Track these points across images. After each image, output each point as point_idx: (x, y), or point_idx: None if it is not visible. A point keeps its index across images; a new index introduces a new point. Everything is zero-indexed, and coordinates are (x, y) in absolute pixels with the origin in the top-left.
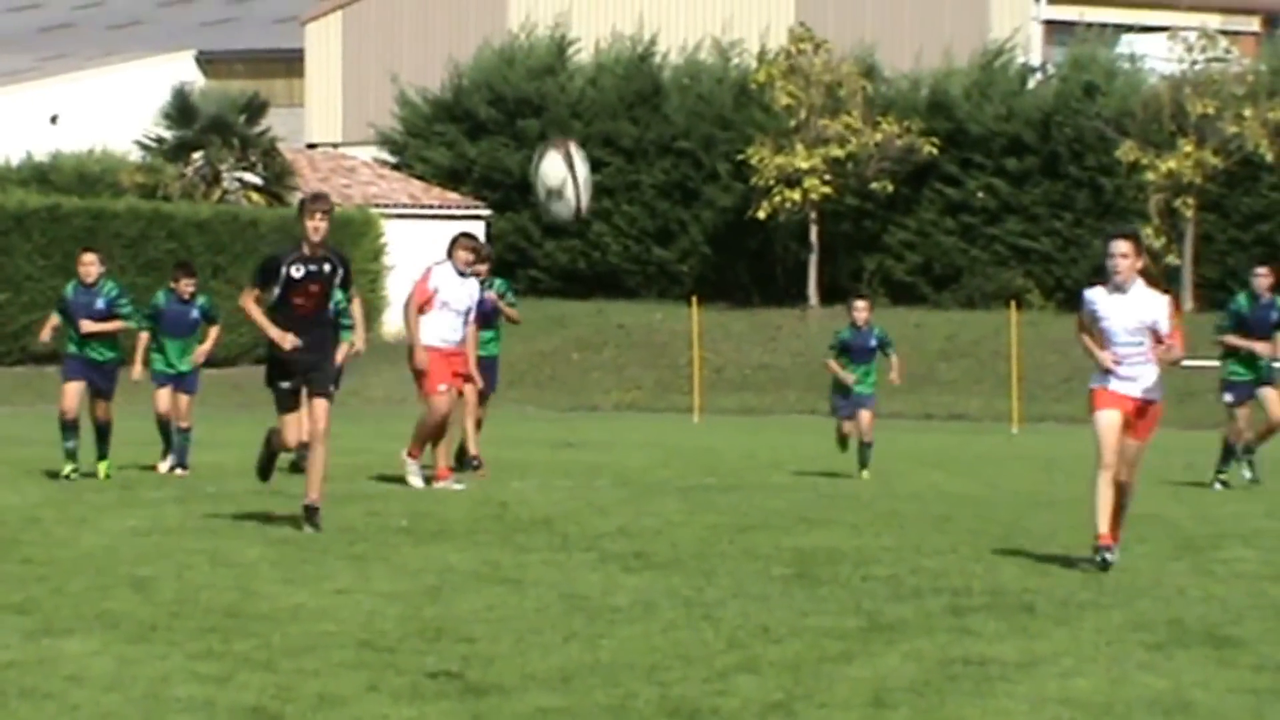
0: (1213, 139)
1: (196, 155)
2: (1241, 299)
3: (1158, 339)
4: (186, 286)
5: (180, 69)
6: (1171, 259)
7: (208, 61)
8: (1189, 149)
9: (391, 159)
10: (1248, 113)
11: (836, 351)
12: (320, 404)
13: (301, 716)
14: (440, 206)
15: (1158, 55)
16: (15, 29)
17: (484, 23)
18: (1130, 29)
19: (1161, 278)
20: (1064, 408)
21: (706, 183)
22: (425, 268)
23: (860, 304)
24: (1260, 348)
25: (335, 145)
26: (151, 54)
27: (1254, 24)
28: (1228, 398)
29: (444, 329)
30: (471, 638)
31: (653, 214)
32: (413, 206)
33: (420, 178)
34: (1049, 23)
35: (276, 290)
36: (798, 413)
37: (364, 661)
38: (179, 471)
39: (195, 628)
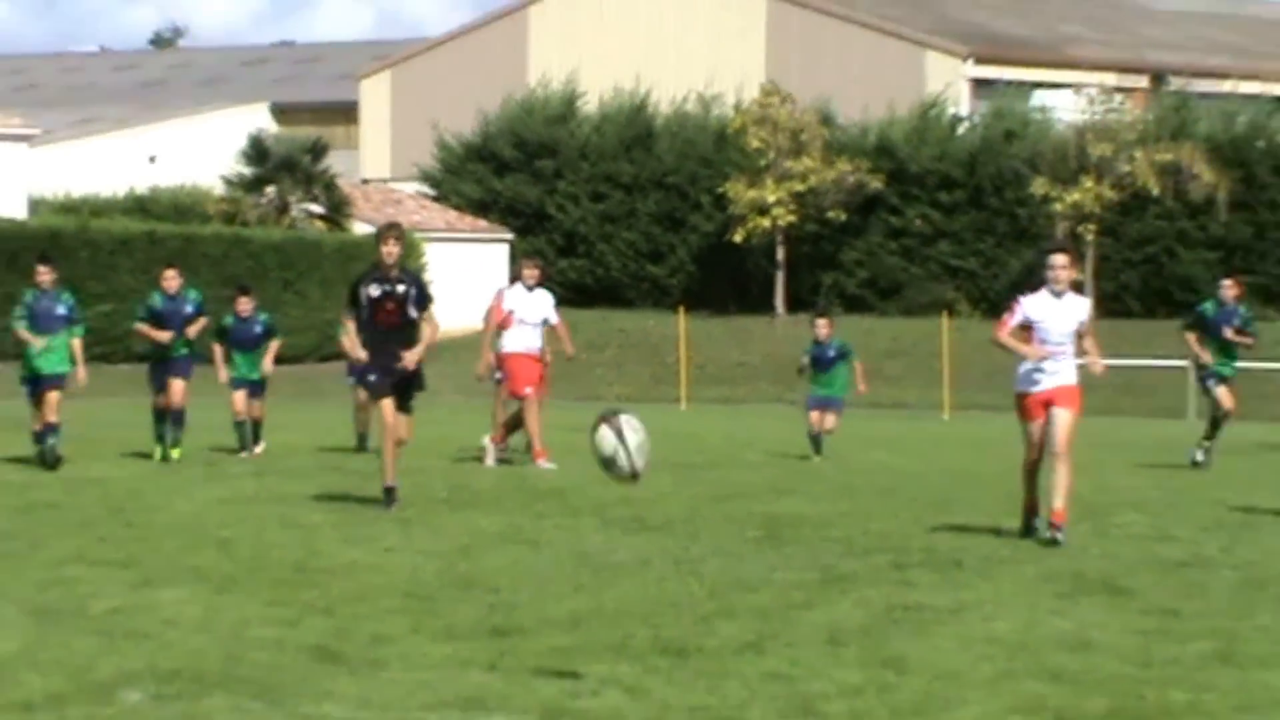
0: (1109, 176)
1: (270, 189)
2: (1209, 305)
3: (1079, 335)
4: (244, 306)
5: (256, 118)
6: (1077, 275)
7: (280, 111)
8: (1090, 184)
9: (431, 192)
10: (1138, 155)
11: (806, 361)
12: (404, 419)
13: (357, 653)
14: (472, 232)
15: (1064, 107)
16: (119, 85)
17: (508, 79)
18: (1042, 85)
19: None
20: (987, 398)
21: (691, 212)
22: (497, 291)
23: (821, 322)
24: (1206, 357)
25: (385, 180)
26: (233, 105)
27: (1143, 81)
28: (1209, 383)
29: (524, 339)
30: (497, 588)
31: (647, 238)
32: (449, 232)
33: (456, 208)
34: (975, 80)
35: (364, 308)
36: (768, 402)
37: (408, 608)
38: (258, 449)
39: (269, 580)
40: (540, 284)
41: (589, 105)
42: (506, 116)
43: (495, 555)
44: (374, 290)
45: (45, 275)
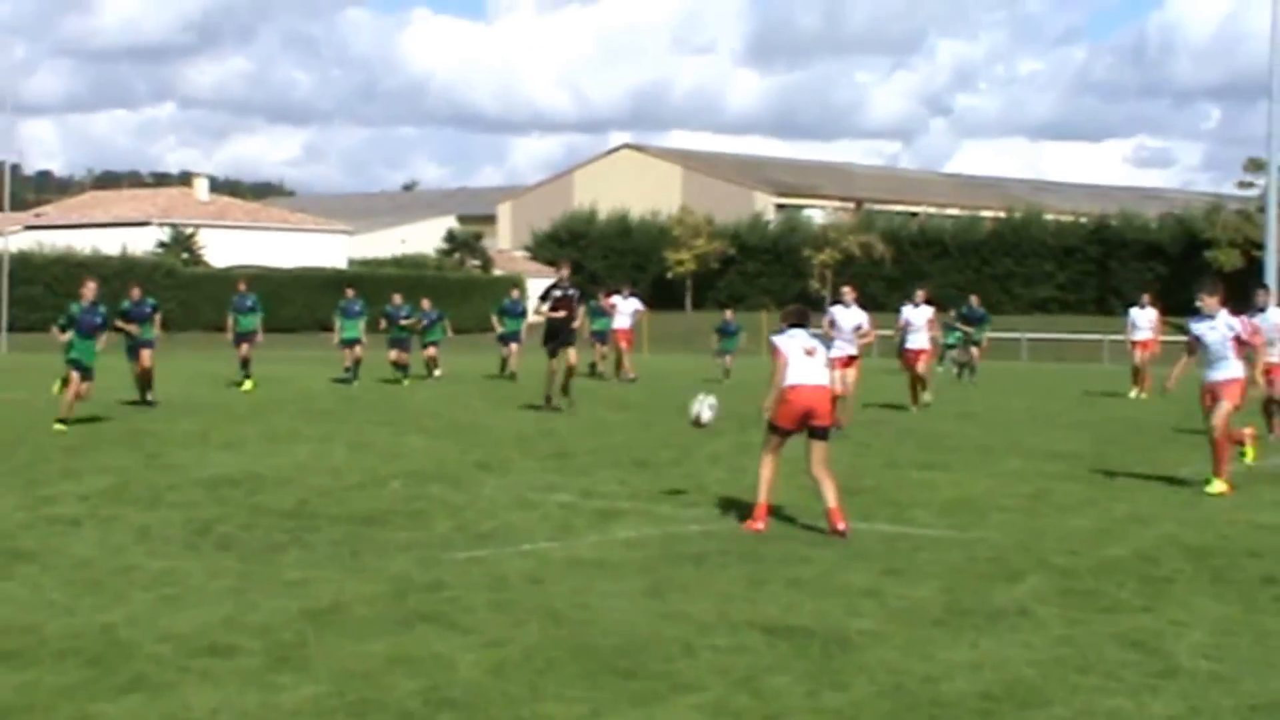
0: (838, 247)
1: (456, 255)
2: (964, 311)
3: (860, 330)
4: (425, 305)
5: (449, 221)
6: (829, 296)
7: (461, 218)
8: (830, 251)
9: (528, 254)
10: (851, 237)
11: (717, 332)
12: (568, 354)
13: (496, 465)
14: (548, 275)
15: (818, 217)
16: (387, 207)
17: (563, 204)
18: (808, 206)
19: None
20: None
21: (650, 265)
22: (612, 300)
23: (728, 313)
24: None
25: (510, 250)
26: (438, 217)
27: (853, 205)
28: (953, 348)
29: (619, 321)
30: (559, 435)
31: (630, 277)
32: (537, 276)
33: (538, 262)
34: (777, 205)
35: (549, 303)
36: (689, 353)
37: (519, 445)
38: (437, 373)
39: (456, 431)
40: (631, 294)
41: (602, 215)
42: (564, 221)
43: (559, 420)
44: (558, 293)
45: (350, 292)
